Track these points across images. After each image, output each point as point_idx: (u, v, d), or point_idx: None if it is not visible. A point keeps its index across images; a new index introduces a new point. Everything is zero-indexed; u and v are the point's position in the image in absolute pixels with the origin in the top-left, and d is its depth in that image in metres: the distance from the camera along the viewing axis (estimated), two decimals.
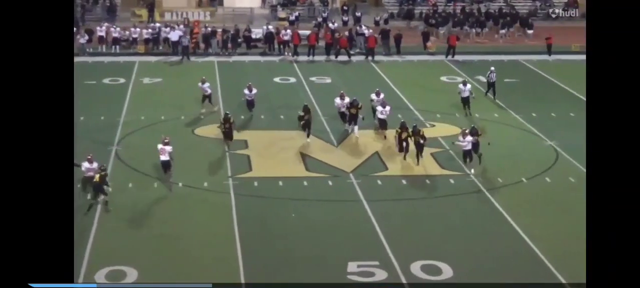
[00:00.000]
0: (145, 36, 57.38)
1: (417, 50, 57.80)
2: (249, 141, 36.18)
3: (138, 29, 58.48)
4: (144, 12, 68.41)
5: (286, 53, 56.00)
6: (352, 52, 55.94)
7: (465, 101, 40.61)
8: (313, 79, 49.28)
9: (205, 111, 40.22)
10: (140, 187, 30.90)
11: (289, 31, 57.89)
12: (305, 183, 31.56)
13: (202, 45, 56.97)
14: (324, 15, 67.89)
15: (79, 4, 66.76)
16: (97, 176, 28.40)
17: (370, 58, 54.88)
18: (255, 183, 31.00)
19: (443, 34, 62.98)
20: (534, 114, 40.61)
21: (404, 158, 33.71)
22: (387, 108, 37.53)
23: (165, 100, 43.10)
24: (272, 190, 30.57)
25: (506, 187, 31.28)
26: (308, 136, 36.01)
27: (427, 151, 35.07)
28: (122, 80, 48.21)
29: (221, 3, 72.84)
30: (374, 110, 37.95)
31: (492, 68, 44.33)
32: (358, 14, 68.41)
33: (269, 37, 57.64)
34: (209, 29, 57.74)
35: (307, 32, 58.33)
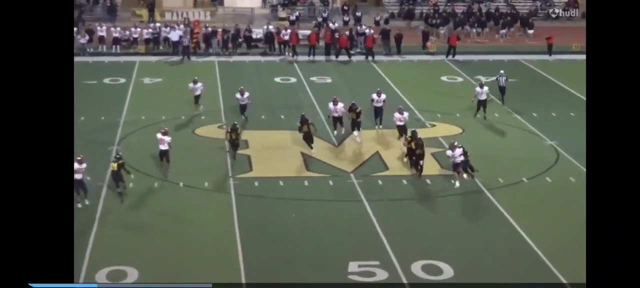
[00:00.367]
0: (146, 36, 57.40)
1: (417, 50, 57.81)
2: (249, 141, 36.17)
3: (138, 29, 58.50)
4: (144, 12, 68.39)
5: (286, 53, 56.00)
6: (352, 52, 55.93)
7: (482, 104, 39.94)
8: (313, 78, 49.27)
9: (202, 109, 40.32)
10: (141, 186, 30.87)
11: (288, 31, 57.91)
12: (305, 183, 31.56)
13: (202, 45, 56.96)
14: (324, 15, 67.88)
15: (77, 4, 66.68)
16: (115, 165, 29.40)
17: (370, 58, 54.87)
18: (256, 183, 31.00)
19: (443, 33, 62.98)
20: (534, 114, 40.61)
21: (418, 170, 32.17)
22: (383, 96, 38.22)
23: (165, 100, 43.08)
24: (273, 190, 30.56)
25: (507, 187, 31.26)
26: (312, 148, 34.92)
27: (427, 151, 35.03)
28: (122, 80, 48.21)
29: (221, 3, 72.81)
30: (376, 111, 37.95)
31: (502, 71, 43.54)
32: (358, 14, 68.40)
33: (269, 37, 57.65)
34: (210, 28, 57.75)
35: (308, 32, 58.38)
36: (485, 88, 40.02)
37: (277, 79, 49.32)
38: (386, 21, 67.34)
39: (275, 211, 28.77)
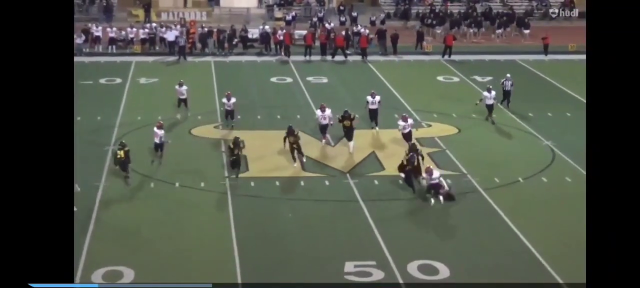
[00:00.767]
0: (142, 36, 57.40)
1: (413, 50, 57.87)
2: (245, 141, 36.08)
3: (134, 29, 58.51)
4: (140, 12, 68.41)
5: (282, 53, 55.99)
6: (348, 52, 55.94)
7: (490, 108, 39.48)
8: (310, 79, 49.28)
9: (180, 116, 39.54)
10: (137, 187, 30.87)
11: (283, 31, 57.93)
12: (302, 183, 31.56)
13: (198, 46, 56.96)
14: (320, 15, 67.90)
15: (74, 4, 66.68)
16: (121, 152, 30.93)
17: (364, 58, 54.89)
18: (252, 184, 30.98)
19: (440, 33, 63.02)
20: (530, 114, 40.64)
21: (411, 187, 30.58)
22: (377, 98, 37.93)
23: (161, 100, 43.03)
24: (269, 190, 30.57)
25: (503, 187, 31.28)
26: (294, 160, 33.07)
27: (424, 151, 35.01)
28: (118, 81, 48.20)
29: (218, 3, 72.81)
30: (371, 113, 37.91)
31: (508, 75, 42.74)
32: (354, 14, 68.45)
33: (265, 37, 57.67)
34: (206, 29, 57.76)
35: (304, 32, 58.42)
36: (493, 92, 39.43)
37: (273, 79, 49.33)
38: (382, 21, 67.40)
39: (271, 211, 28.76)
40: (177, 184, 31.07)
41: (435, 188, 29.37)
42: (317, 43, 56.43)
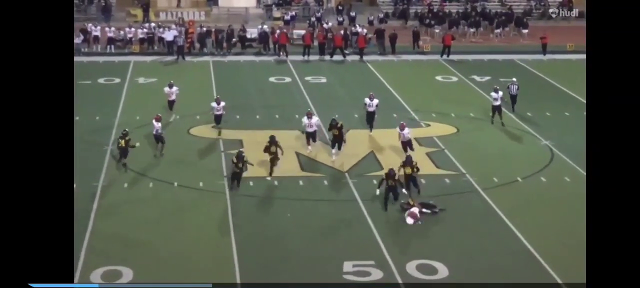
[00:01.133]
0: (140, 36, 57.38)
1: (412, 50, 57.85)
2: (244, 140, 36.16)
3: (133, 29, 58.48)
4: (139, 12, 68.38)
5: (281, 53, 55.96)
6: (347, 51, 55.94)
7: (497, 109, 39.02)
8: (308, 78, 49.29)
9: (172, 119, 39.19)
10: (136, 186, 30.88)
11: (286, 31, 58.01)
12: (300, 183, 31.55)
13: (197, 45, 56.94)
14: (318, 14, 67.91)
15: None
16: (123, 141, 32.27)
17: (361, 57, 54.91)
18: (251, 183, 30.96)
19: (438, 33, 63.02)
20: (529, 113, 40.63)
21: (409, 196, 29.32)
22: (375, 101, 37.45)
23: (160, 100, 42.91)
24: (268, 190, 30.57)
25: (501, 187, 31.29)
26: (270, 174, 31.83)
27: (422, 150, 35.11)
28: (117, 80, 48.19)
29: (216, 3, 72.79)
30: (368, 115, 37.66)
31: (514, 79, 42.22)
32: (353, 14, 68.45)
33: (263, 37, 57.66)
34: (204, 28, 57.75)
35: (302, 32, 58.43)
36: (500, 93, 39.04)
37: (272, 79, 49.33)
38: (381, 21, 67.38)
39: (270, 211, 28.77)
40: (175, 184, 31.06)
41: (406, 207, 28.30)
42: (316, 43, 56.41)
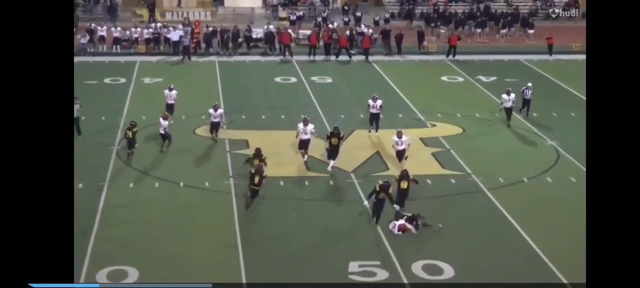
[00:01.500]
0: (146, 36, 57.42)
1: (417, 50, 57.84)
2: (249, 141, 36.18)
3: (139, 29, 58.53)
4: (144, 12, 68.44)
5: (286, 53, 55.97)
6: (352, 51, 55.93)
7: (508, 112, 38.73)
8: (314, 78, 49.29)
9: (172, 122, 37.85)
10: (141, 186, 30.91)
11: (289, 31, 58.03)
12: (306, 183, 31.56)
13: (203, 45, 56.95)
14: (324, 15, 67.93)
15: (75, 3, 66.64)
16: (130, 132, 33.44)
17: (366, 58, 54.89)
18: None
19: (444, 33, 63.00)
20: (534, 114, 40.54)
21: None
22: (379, 102, 37.12)
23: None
24: (273, 190, 30.55)
25: (507, 187, 31.26)
26: (252, 197, 29.24)
27: (428, 151, 35.11)
28: (122, 80, 48.21)
29: (222, 3, 72.83)
30: (372, 116, 37.36)
31: (529, 84, 41.26)
32: (359, 14, 68.44)
33: (269, 37, 57.67)
34: (211, 28, 57.77)
35: (308, 32, 58.44)
36: (512, 95, 38.71)
37: (278, 79, 49.33)
38: (386, 21, 67.36)
39: (275, 211, 28.75)
40: (181, 184, 31.08)
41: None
42: (321, 43, 56.39)
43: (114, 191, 30.11)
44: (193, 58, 54.62)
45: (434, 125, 39.38)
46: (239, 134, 37.19)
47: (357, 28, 60.55)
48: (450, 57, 55.59)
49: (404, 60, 55.70)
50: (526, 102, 40.50)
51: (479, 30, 64.46)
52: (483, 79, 49.58)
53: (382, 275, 23.90)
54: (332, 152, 32.61)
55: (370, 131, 37.18)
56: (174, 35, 55.90)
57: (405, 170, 29.57)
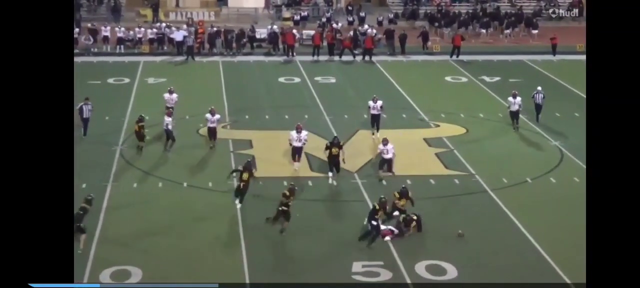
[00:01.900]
0: (150, 36, 57.46)
1: (421, 50, 57.84)
2: (253, 141, 36.19)
3: (142, 29, 58.57)
4: (148, 12, 68.50)
5: (289, 53, 55.97)
6: (356, 52, 55.92)
7: (515, 115, 38.39)
8: (318, 78, 49.30)
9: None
10: (145, 186, 30.92)
11: (294, 31, 58.08)
12: (309, 183, 31.54)
13: (206, 46, 56.97)
14: (327, 15, 67.95)
15: (78, 4, 66.69)
16: (136, 126, 34.39)
17: (367, 58, 54.87)
18: (260, 183, 30.92)
19: (448, 34, 62.99)
20: (538, 114, 40.52)
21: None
22: (379, 103, 36.88)
23: None
24: (277, 190, 30.45)
25: (511, 187, 31.24)
26: (240, 201, 28.59)
27: (432, 151, 35.11)
28: (126, 80, 48.26)
29: (226, 3, 72.87)
30: (373, 118, 37.17)
31: (539, 88, 40.48)
32: (362, 14, 68.44)
33: (273, 38, 57.68)
34: (214, 28, 57.79)
35: (311, 33, 58.46)
36: (518, 98, 38.24)
37: (281, 79, 49.35)
38: (390, 21, 67.36)
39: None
40: (185, 184, 31.09)
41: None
42: (325, 43, 56.42)
43: (118, 191, 30.12)
44: (197, 58, 54.64)
45: (438, 126, 39.36)
46: (243, 134, 37.21)
47: (360, 28, 60.52)
48: (454, 57, 55.58)
49: (408, 61, 55.71)
50: (537, 107, 39.74)
51: (483, 31, 64.44)
52: (487, 79, 49.57)
53: (385, 275, 23.88)
54: (332, 163, 31.79)
55: (373, 133, 37.02)
56: (178, 36, 55.94)
57: (405, 187, 28.50)
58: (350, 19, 68.94)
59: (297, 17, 67.04)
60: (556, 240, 26.34)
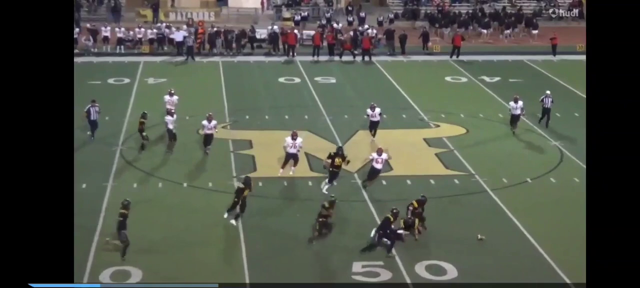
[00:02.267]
0: (150, 36, 57.47)
1: (421, 51, 57.87)
2: (253, 141, 36.21)
3: (143, 29, 58.57)
4: (148, 13, 68.51)
5: (291, 54, 55.98)
6: (356, 52, 55.92)
7: (515, 119, 37.91)
8: (318, 79, 49.31)
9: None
10: (145, 187, 30.92)
11: (295, 31, 58.12)
12: (309, 183, 31.54)
13: (207, 46, 56.96)
14: (327, 15, 67.97)
15: (78, 4, 66.68)
16: (139, 122, 34.89)
17: (367, 58, 54.87)
18: (260, 184, 30.90)
19: (448, 34, 63.01)
20: (538, 114, 40.45)
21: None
22: (377, 110, 36.48)
23: None
24: (277, 190, 30.56)
25: (511, 188, 31.25)
26: (236, 218, 27.26)
27: (432, 151, 35.13)
28: (126, 81, 48.26)
29: (226, 3, 72.88)
30: (371, 124, 36.79)
31: (548, 92, 39.71)
32: (362, 15, 68.45)
33: (273, 38, 57.69)
34: (215, 29, 57.80)
35: (311, 33, 58.48)
36: (520, 102, 37.79)
37: (281, 79, 49.36)
38: (391, 21, 67.39)
39: (279, 211, 28.75)
40: (185, 184, 31.09)
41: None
42: (325, 43, 56.44)
43: (118, 191, 30.09)
44: (197, 58, 54.64)
45: (438, 126, 39.37)
46: (243, 134, 37.21)
47: (360, 28, 60.52)
48: (454, 57, 55.61)
49: (408, 61, 55.74)
50: (546, 111, 39.16)
51: (484, 31, 64.45)
52: (487, 79, 49.58)
53: (385, 275, 23.90)
54: (333, 174, 30.53)
55: (371, 139, 36.69)
56: (178, 36, 55.95)
57: (424, 197, 27.30)
58: (350, 19, 68.94)
59: (297, 18, 67.05)
60: (556, 240, 26.35)
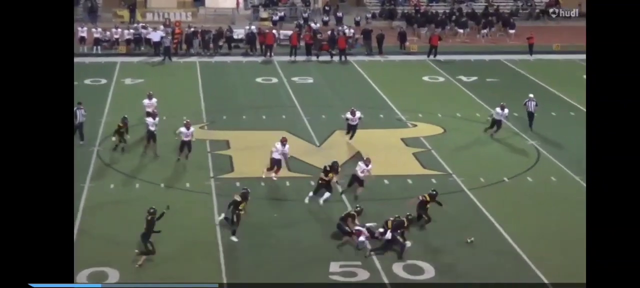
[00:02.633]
0: (127, 37, 57.26)
1: (398, 50, 57.95)
2: (230, 141, 36.13)
3: (119, 30, 58.36)
4: (125, 13, 68.29)
5: (268, 54, 55.91)
6: (333, 52, 55.90)
7: (496, 124, 37.26)
8: (295, 79, 49.27)
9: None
10: (122, 187, 30.81)
11: (274, 31, 58.07)
12: (287, 183, 31.50)
13: (184, 46, 56.80)
14: (305, 15, 67.96)
15: None
16: (118, 125, 34.49)
17: (343, 58, 54.86)
18: (237, 184, 30.82)
19: (425, 33, 63.12)
20: (515, 114, 40.56)
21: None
22: (358, 114, 36.15)
23: None
24: (254, 191, 30.40)
25: (488, 187, 31.33)
26: (233, 233, 26.26)
27: (409, 151, 35.18)
28: (103, 81, 48.06)
29: (203, 3, 72.72)
30: (349, 127, 36.41)
31: (531, 95, 39.32)
32: (340, 15, 68.49)
33: (250, 38, 57.59)
34: (192, 29, 57.67)
35: (289, 33, 58.43)
36: (506, 110, 37.22)
37: (259, 79, 49.30)
38: (368, 21, 67.46)
39: (256, 212, 28.64)
40: (162, 185, 31.00)
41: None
42: (302, 43, 56.41)
43: (95, 192, 29.99)
44: (174, 59, 54.49)
45: (415, 125, 39.43)
46: (220, 135, 37.14)
47: (339, 28, 60.52)
48: (431, 57, 55.72)
49: (385, 60, 55.79)
50: (530, 115, 38.78)
51: (460, 31, 64.59)
52: (464, 78, 49.69)
53: (363, 275, 23.89)
54: (326, 186, 29.41)
55: (349, 140, 36.43)
56: (155, 36, 55.77)
57: (435, 191, 28.00)
58: (326, 18, 68.98)
59: (275, 18, 67.00)
60: (533, 239, 26.42)
